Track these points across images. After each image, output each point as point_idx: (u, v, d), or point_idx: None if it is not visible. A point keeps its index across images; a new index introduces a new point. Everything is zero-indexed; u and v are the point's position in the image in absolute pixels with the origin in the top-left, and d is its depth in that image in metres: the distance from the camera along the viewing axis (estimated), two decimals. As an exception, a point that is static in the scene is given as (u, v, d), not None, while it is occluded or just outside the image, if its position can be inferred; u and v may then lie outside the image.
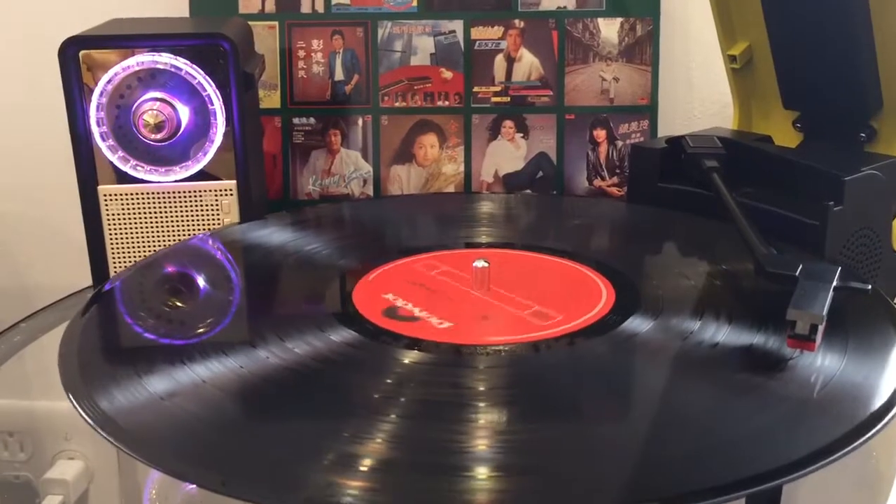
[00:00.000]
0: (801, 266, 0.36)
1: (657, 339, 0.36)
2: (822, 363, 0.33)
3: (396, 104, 0.62)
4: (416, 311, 0.38)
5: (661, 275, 0.43)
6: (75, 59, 0.47)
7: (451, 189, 0.63)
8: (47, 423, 0.47)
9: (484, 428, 0.30)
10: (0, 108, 0.67)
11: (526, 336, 0.36)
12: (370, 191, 0.63)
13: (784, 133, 0.54)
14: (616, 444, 0.30)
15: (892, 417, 0.30)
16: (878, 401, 0.31)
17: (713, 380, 0.33)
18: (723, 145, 0.50)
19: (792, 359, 0.33)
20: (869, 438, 0.29)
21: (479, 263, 0.40)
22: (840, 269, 0.36)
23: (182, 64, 0.47)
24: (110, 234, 0.49)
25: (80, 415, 0.31)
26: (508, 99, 0.62)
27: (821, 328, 0.32)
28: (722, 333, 0.35)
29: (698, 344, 0.35)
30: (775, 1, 0.50)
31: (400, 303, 0.39)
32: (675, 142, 0.51)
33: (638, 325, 0.36)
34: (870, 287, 0.35)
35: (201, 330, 0.38)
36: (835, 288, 0.34)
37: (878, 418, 0.30)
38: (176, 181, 0.49)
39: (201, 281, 0.44)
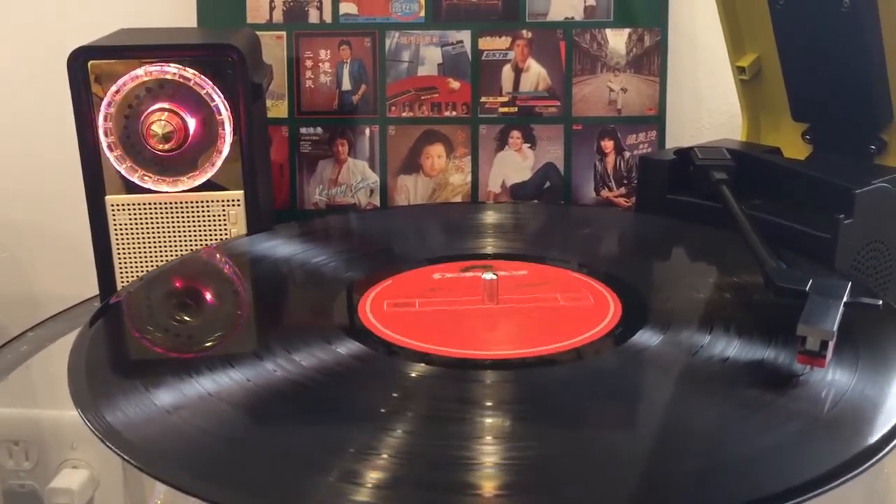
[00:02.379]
0: (811, 281, 0.35)
1: (666, 353, 0.35)
2: (833, 379, 0.33)
3: (403, 114, 0.62)
4: (425, 323, 0.38)
5: (670, 288, 0.43)
6: (84, 69, 0.47)
7: (458, 199, 0.63)
8: (53, 432, 0.47)
9: (490, 444, 0.30)
10: (9, 116, 0.67)
11: (533, 350, 0.36)
12: (377, 201, 0.63)
13: (793, 145, 0.54)
14: (624, 460, 0.29)
15: (905, 436, 0.29)
16: (891, 418, 0.30)
17: (723, 396, 0.33)
18: (732, 157, 0.49)
19: (802, 375, 0.33)
20: (881, 458, 0.28)
21: (488, 276, 0.40)
22: (850, 283, 0.35)
23: (190, 74, 0.47)
24: (117, 244, 0.49)
25: (88, 427, 0.31)
26: (516, 109, 0.62)
27: (831, 344, 0.32)
28: (732, 348, 0.35)
29: (708, 359, 0.35)
30: (784, 12, 0.50)
31: (407, 314, 0.39)
32: (684, 153, 0.51)
33: (647, 339, 0.36)
34: (881, 302, 0.35)
35: (208, 343, 0.38)
36: (845, 303, 0.34)
37: (890, 437, 0.29)
38: (183, 191, 0.49)
39: (208, 293, 0.44)
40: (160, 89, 0.48)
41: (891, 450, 0.29)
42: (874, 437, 0.29)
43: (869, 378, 0.33)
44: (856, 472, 0.28)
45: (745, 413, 0.31)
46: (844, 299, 0.34)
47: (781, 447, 0.29)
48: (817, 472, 0.27)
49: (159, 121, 0.47)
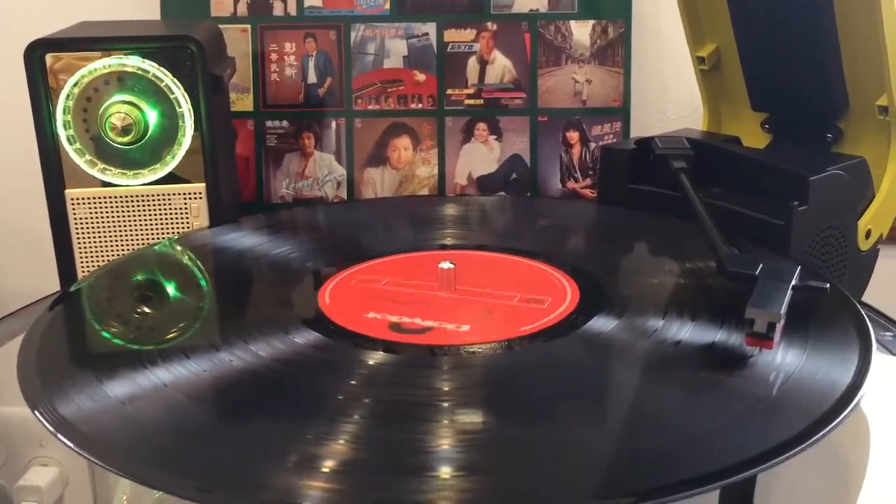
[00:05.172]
0: (761, 265, 0.36)
1: (621, 337, 0.36)
2: (783, 360, 0.33)
3: (370, 107, 0.62)
4: (383, 313, 0.38)
5: (627, 274, 0.44)
6: (41, 61, 0.47)
7: (424, 192, 0.63)
8: (20, 430, 0.46)
9: (448, 428, 0.30)
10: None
11: (489, 336, 0.36)
12: (344, 194, 0.63)
13: (753, 134, 0.55)
14: (578, 442, 0.30)
15: (849, 413, 0.30)
16: (836, 397, 0.31)
17: (675, 377, 0.33)
18: (691, 146, 0.50)
19: (752, 356, 0.33)
20: (825, 435, 0.29)
21: (445, 265, 0.40)
22: (799, 267, 0.36)
23: (149, 66, 0.47)
24: (78, 238, 0.49)
25: (39, 420, 0.31)
26: (481, 101, 0.62)
27: (779, 326, 0.33)
28: (685, 332, 0.36)
29: (661, 343, 0.35)
30: (742, 3, 0.50)
31: (367, 303, 0.39)
32: (644, 143, 0.52)
33: (602, 324, 0.37)
34: (828, 285, 0.36)
35: (164, 333, 0.38)
36: (794, 287, 0.34)
37: (834, 414, 0.30)
38: (145, 184, 0.49)
39: (166, 284, 0.44)
40: (119, 82, 0.47)
41: (835, 426, 0.29)
42: (819, 414, 0.30)
43: (817, 358, 0.33)
44: (799, 448, 0.28)
45: (696, 393, 0.32)
46: (793, 283, 0.34)
47: (730, 425, 0.30)
48: (764, 448, 0.28)
49: (118, 113, 0.47)
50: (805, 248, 0.44)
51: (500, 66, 0.62)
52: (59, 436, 0.30)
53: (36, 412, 0.31)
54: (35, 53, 0.47)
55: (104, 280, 0.44)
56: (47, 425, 0.30)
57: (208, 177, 0.49)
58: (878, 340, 0.35)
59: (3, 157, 0.67)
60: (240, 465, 0.28)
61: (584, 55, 0.62)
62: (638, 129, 0.63)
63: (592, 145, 0.62)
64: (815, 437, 0.28)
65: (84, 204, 0.49)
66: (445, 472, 0.28)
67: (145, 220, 0.49)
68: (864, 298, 0.50)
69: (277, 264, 0.45)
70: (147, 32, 0.49)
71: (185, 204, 0.49)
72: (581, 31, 0.62)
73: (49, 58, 0.47)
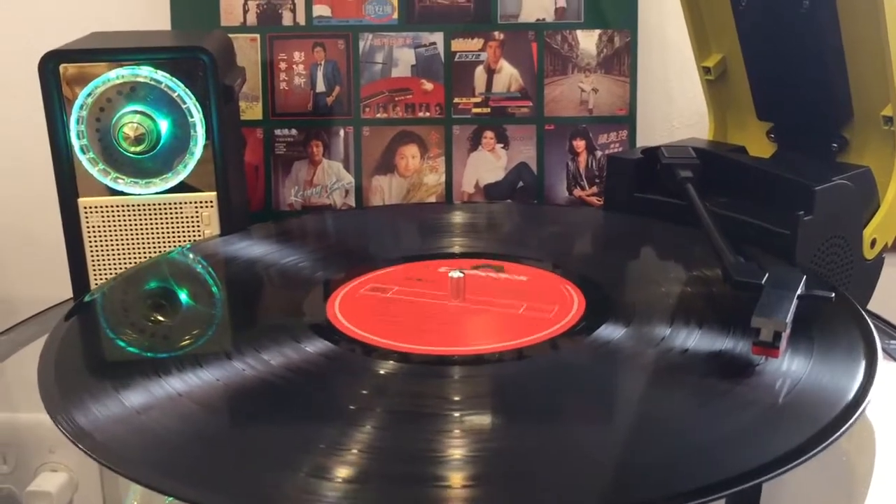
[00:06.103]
0: (767, 274, 0.36)
1: (628, 346, 0.36)
2: (789, 369, 0.34)
3: (378, 115, 0.63)
4: (392, 321, 0.38)
5: (634, 283, 0.44)
6: (55, 72, 0.48)
7: (432, 199, 0.63)
8: (30, 436, 0.47)
9: (457, 437, 0.30)
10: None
11: (498, 345, 0.36)
12: (352, 201, 0.63)
13: (758, 143, 0.55)
14: (588, 450, 0.30)
15: (855, 421, 0.30)
16: (842, 404, 0.31)
17: (682, 386, 0.34)
18: (697, 156, 0.50)
19: (758, 365, 0.34)
20: (831, 443, 0.29)
21: (455, 273, 0.40)
22: (805, 277, 0.36)
23: (161, 77, 0.48)
24: (91, 247, 0.50)
25: (58, 428, 0.31)
26: (489, 110, 0.63)
27: (785, 335, 0.33)
28: (692, 340, 0.36)
29: (668, 351, 0.35)
30: (747, 13, 0.51)
31: (377, 312, 0.39)
32: (651, 152, 0.52)
33: (609, 332, 0.37)
34: (833, 294, 0.36)
35: (178, 343, 0.38)
36: (799, 296, 0.35)
37: (840, 422, 0.30)
38: (156, 193, 0.49)
39: (179, 293, 0.44)
40: (132, 92, 0.48)
41: (841, 434, 0.30)
42: (826, 422, 0.30)
43: (822, 367, 0.34)
44: (807, 456, 0.28)
45: (703, 402, 0.32)
46: (798, 292, 0.35)
47: (737, 433, 0.30)
48: (772, 456, 0.28)
49: (131, 123, 0.47)
50: (810, 258, 0.45)
51: (507, 75, 0.63)
52: (79, 444, 0.30)
53: (55, 421, 0.32)
54: (49, 64, 0.47)
55: (118, 289, 0.44)
56: (67, 434, 0.31)
57: (219, 185, 0.50)
58: (883, 348, 0.36)
59: (17, 166, 0.67)
60: (252, 473, 0.29)
61: (591, 64, 0.62)
62: (644, 138, 0.64)
63: (599, 154, 0.63)
64: (821, 446, 0.29)
65: (97, 212, 0.49)
66: (456, 480, 0.28)
67: (157, 228, 0.50)
68: (870, 307, 0.50)
69: (289, 272, 0.45)
70: (159, 43, 0.50)
71: (197, 212, 0.50)
72: (587, 41, 0.62)
73: (63, 68, 0.48)
